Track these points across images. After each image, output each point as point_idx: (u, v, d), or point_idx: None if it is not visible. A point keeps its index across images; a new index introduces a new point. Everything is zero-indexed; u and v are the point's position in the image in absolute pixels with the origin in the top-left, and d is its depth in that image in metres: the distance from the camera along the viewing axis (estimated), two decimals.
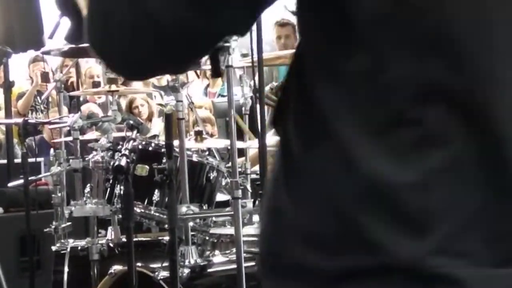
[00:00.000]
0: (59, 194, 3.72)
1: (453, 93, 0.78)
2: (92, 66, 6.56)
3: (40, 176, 4.32)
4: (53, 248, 3.55)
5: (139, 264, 3.00)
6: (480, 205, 0.78)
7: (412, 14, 0.79)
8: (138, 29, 0.83)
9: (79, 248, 3.35)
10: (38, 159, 4.73)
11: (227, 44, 2.67)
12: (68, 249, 3.38)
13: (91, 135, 4.11)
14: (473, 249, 0.77)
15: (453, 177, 0.78)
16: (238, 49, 3.26)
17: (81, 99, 5.84)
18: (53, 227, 3.66)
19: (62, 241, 3.56)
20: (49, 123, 4.37)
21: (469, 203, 0.78)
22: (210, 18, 0.82)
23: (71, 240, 3.52)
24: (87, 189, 3.32)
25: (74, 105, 5.36)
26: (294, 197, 0.83)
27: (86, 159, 3.41)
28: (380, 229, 0.78)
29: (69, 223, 3.69)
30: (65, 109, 4.50)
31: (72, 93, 4.99)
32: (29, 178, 4.07)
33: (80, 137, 3.54)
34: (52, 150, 4.00)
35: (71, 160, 3.49)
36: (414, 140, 0.78)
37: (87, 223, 3.47)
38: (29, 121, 4.45)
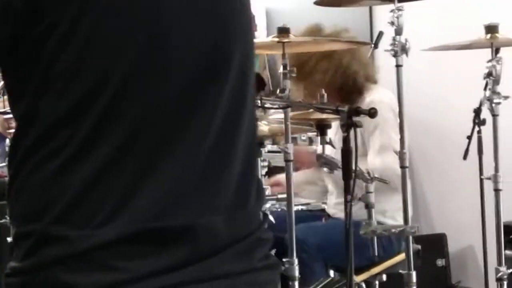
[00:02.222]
0: None
1: None
2: None
3: None
4: (9, 239, 3.51)
5: None
6: (79, 192, 1.10)
7: None
8: None
9: None
10: None
11: None
12: None
13: None
14: (75, 218, 1.10)
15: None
16: None
17: None
18: (8, 218, 3.62)
19: None
20: (3, 113, 4.30)
21: (69, 192, 1.11)
22: None
23: None
24: None
25: None
26: None
27: None
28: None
29: None
30: None
31: None
32: None
33: None
34: (7, 141, 3.94)
35: None
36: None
37: None
38: None
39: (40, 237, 1.10)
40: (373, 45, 4.08)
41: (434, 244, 4.77)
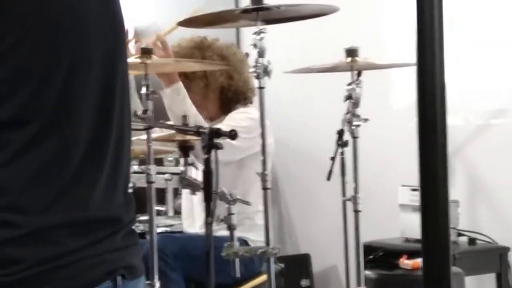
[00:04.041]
0: None
1: None
2: None
3: None
4: None
5: None
6: (25, 183, 1.28)
7: None
8: None
9: None
10: None
11: None
12: None
13: None
14: (22, 206, 1.27)
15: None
16: None
17: None
18: None
19: None
20: None
21: (15, 184, 1.27)
22: None
23: None
24: None
25: None
26: None
27: None
28: None
29: None
30: None
31: None
32: None
33: None
34: None
35: None
36: None
37: None
38: None
39: None
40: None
41: (299, 264, 4.82)
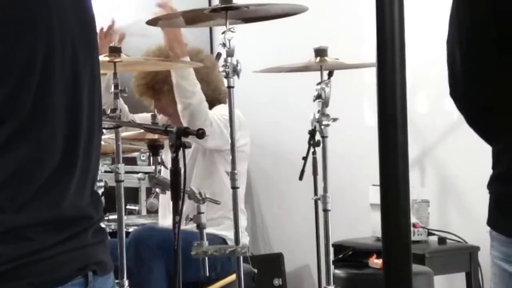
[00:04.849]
0: None
1: None
2: None
3: None
4: None
5: None
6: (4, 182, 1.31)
7: None
8: None
9: None
10: None
11: None
12: None
13: None
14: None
15: None
16: None
17: None
18: None
19: None
20: None
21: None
22: None
23: None
24: None
25: None
26: None
27: None
28: None
29: None
30: None
31: None
32: None
33: None
34: None
35: None
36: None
37: None
38: None
39: None
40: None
41: (271, 264, 4.82)
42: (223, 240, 3.64)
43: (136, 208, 4.87)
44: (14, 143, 1.32)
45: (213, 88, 3.83)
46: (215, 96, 3.83)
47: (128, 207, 4.73)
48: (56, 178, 1.37)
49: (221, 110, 3.71)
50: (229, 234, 3.65)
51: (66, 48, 1.38)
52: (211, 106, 3.75)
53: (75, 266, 1.38)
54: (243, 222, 3.55)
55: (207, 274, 2.87)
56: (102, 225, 1.51)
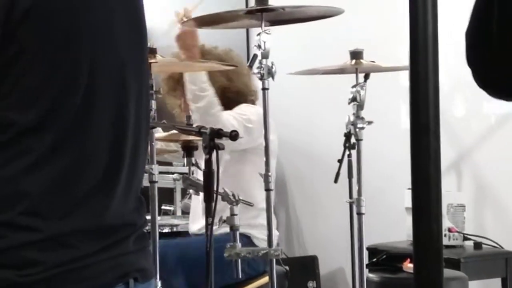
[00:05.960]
0: None
1: None
2: None
3: None
4: None
5: None
6: (46, 190, 1.32)
7: None
8: None
9: None
10: None
11: None
12: None
13: None
14: (42, 211, 1.31)
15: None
16: None
17: None
18: None
19: None
20: None
21: (36, 189, 1.31)
22: None
23: None
24: None
25: None
26: None
27: None
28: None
29: None
30: None
31: None
32: None
33: None
34: None
35: None
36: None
37: None
38: None
39: (8, 226, 1.30)
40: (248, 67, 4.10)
41: (306, 266, 4.81)
42: (247, 238, 3.60)
43: (171, 208, 4.88)
44: (59, 151, 1.33)
45: (244, 81, 3.82)
46: (244, 91, 3.82)
47: (163, 207, 4.75)
48: (100, 188, 1.38)
49: (242, 108, 3.71)
50: (253, 232, 3.63)
51: (112, 56, 1.38)
52: (235, 105, 3.74)
53: (116, 273, 1.38)
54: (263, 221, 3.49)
55: (240, 276, 2.86)
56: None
